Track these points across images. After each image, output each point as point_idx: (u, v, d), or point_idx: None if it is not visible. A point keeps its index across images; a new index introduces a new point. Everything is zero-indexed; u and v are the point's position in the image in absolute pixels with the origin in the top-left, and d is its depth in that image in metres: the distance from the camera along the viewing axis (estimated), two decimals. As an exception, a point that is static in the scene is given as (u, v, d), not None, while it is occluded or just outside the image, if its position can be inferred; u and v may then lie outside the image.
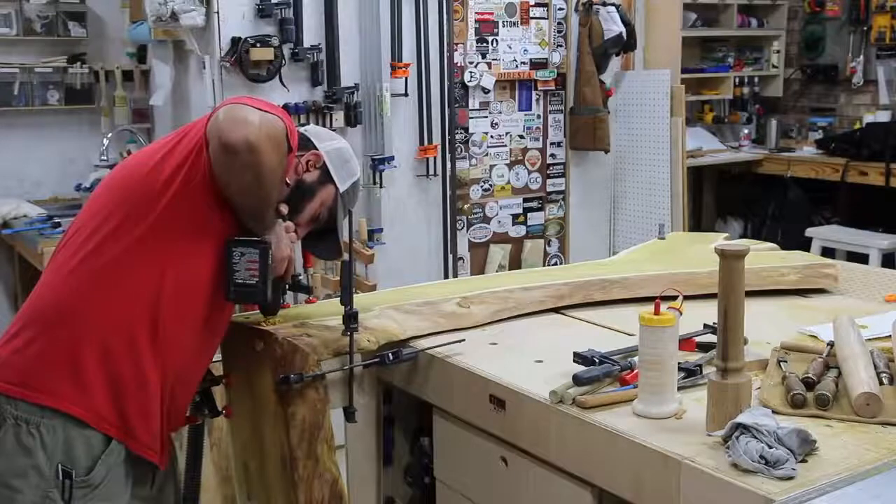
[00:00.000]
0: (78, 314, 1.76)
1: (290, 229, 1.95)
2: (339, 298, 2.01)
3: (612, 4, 4.89)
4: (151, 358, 1.78)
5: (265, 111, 1.77)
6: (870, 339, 1.86)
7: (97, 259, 1.78)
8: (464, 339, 2.04)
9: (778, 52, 6.49)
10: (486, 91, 4.64)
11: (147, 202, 1.79)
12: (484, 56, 4.63)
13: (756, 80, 6.54)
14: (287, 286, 2.05)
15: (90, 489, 1.75)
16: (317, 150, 2.02)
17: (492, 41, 4.64)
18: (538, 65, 4.81)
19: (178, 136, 1.87)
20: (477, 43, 4.60)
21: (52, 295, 1.81)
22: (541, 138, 4.91)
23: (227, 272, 1.84)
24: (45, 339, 1.76)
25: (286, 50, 3.92)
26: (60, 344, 1.75)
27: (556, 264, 4.89)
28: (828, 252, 5.14)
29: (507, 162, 4.81)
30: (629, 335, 1.99)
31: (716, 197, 6.63)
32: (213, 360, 2.06)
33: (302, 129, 2.06)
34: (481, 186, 4.74)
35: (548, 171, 4.97)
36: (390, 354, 1.98)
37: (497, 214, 4.82)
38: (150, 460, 1.84)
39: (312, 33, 4.01)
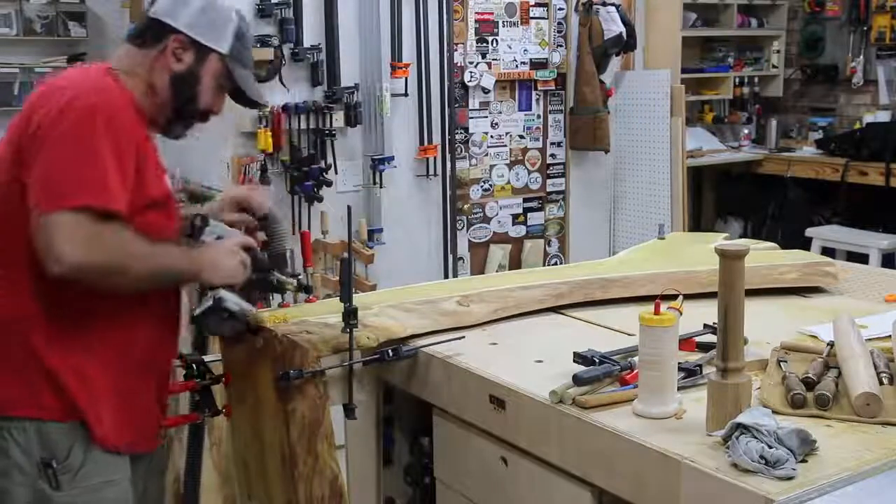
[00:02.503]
0: None
1: (234, 242, 1.91)
2: (338, 297, 2.01)
3: (612, 4, 4.89)
4: (78, 349, 1.79)
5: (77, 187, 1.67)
6: (870, 339, 1.86)
7: None
8: (464, 336, 2.04)
9: (778, 52, 6.49)
10: (486, 91, 4.64)
11: None
12: (484, 56, 4.63)
13: (756, 80, 6.53)
14: (275, 282, 2.05)
15: (73, 473, 1.79)
16: (175, 30, 1.87)
17: (492, 41, 4.64)
18: (538, 65, 4.81)
19: (10, 143, 1.79)
20: (477, 43, 4.60)
21: None
22: (541, 138, 4.92)
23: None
24: None
25: (286, 50, 3.92)
26: None
27: (556, 264, 4.89)
28: (828, 252, 5.13)
29: (507, 162, 4.82)
30: (629, 335, 1.99)
31: (716, 197, 6.62)
32: (212, 359, 2.06)
33: (150, 12, 1.91)
34: (481, 186, 4.74)
35: (548, 171, 4.97)
36: (390, 351, 1.98)
37: (497, 214, 4.82)
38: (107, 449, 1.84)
39: (312, 33, 4.01)
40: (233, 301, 1.90)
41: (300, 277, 2.11)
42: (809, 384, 1.63)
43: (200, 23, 1.88)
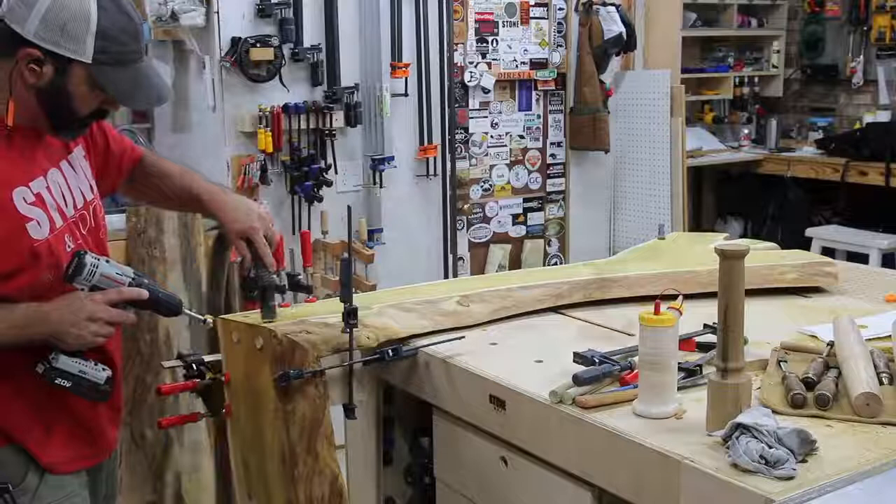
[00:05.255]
0: None
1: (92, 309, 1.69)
2: (338, 297, 2.01)
3: (612, 4, 4.90)
4: None
5: None
6: (870, 339, 1.86)
7: None
8: (463, 336, 2.04)
9: (778, 52, 6.49)
10: (486, 91, 4.65)
11: None
12: (484, 56, 4.63)
13: (756, 80, 6.53)
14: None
15: (31, 493, 1.76)
16: (24, 42, 1.59)
17: (492, 41, 4.65)
18: (538, 65, 4.81)
19: None
20: (477, 43, 4.60)
21: None
22: (541, 138, 4.92)
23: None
24: None
25: (286, 50, 3.92)
26: None
27: (556, 264, 4.89)
28: (828, 252, 5.13)
29: (507, 162, 4.82)
30: (629, 335, 1.99)
31: (716, 197, 6.63)
32: (212, 358, 2.05)
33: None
34: (481, 186, 4.74)
35: (548, 171, 4.98)
36: (390, 351, 1.98)
37: (497, 214, 4.82)
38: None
39: (312, 33, 4.01)
40: (73, 364, 1.73)
41: (300, 277, 2.10)
42: (809, 384, 1.63)
43: (50, 29, 1.59)
